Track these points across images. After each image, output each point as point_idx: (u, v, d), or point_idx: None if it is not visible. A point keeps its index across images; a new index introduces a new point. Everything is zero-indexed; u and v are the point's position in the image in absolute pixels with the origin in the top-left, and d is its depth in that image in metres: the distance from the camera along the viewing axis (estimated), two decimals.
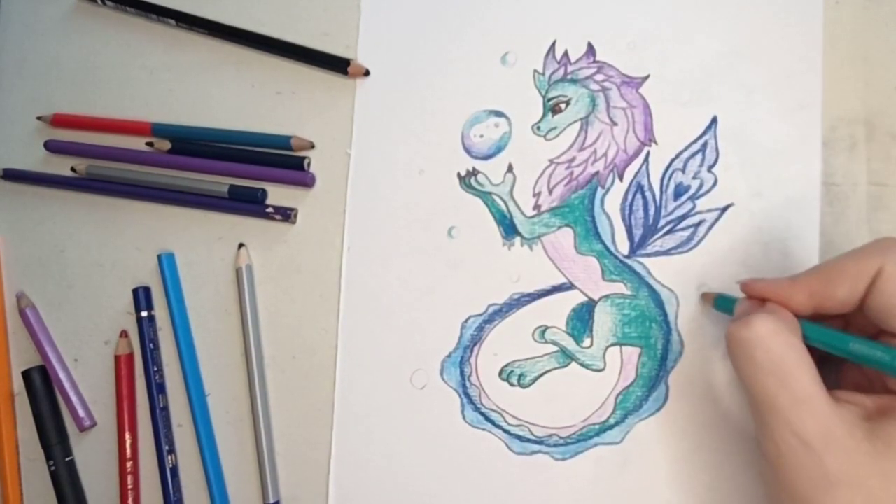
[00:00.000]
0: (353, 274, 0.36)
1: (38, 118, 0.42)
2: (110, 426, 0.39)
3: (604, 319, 0.33)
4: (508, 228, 0.35)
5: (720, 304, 0.31)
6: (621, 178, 0.34)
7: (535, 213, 0.34)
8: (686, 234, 0.33)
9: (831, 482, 0.23)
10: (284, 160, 0.37)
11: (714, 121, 0.33)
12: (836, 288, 0.25)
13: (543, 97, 0.35)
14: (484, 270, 0.35)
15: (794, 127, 0.32)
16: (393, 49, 0.37)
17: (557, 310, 0.34)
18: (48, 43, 0.42)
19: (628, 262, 0.33)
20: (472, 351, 0.35)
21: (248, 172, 0.38)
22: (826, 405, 0.24)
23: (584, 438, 0.33)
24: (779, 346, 0.25)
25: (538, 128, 0.35)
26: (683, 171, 0.33)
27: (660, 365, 0.33)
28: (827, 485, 0.23)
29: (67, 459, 0.39)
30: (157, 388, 0.38)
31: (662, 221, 0.33)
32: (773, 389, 0.24)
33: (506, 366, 0.35)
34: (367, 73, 0.37)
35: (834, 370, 0.28)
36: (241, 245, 0.38)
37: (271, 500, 0.36)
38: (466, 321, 0.35)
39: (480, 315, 0.35)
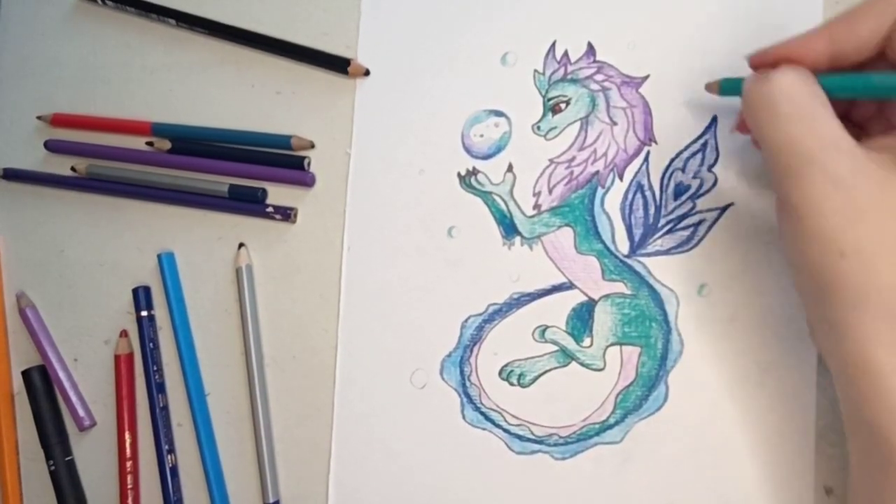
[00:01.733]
0: (353, 274, 0.36)
1: (38, 118, 0.42)
2: (110, 426, 0.39)
3: (604, 319, 0.33)
4: (508, 228, 0.35)
5: (727, 87, 0.29)
6: (621, 178, 0.34)
7: (535, 212, 0.35)
8: (686, 233, 0.33)
9: (862, 211, 0.23)
10: (284, 160, 0.37)
11: (714, 120, 0.33)
12: (861, 23, 0.25)
13: (543, 97, 0.35)
14: (484, 270, 0.35)
15: None
16: (393, 49, 0.37)
17: (557, 309, 0.34)
18: (48, 43, 0.42)
19: (628, 261, 0.33)
20: (471, 350, 0.35)
21: (248, 172, 0.38)
22: (854, 144, 0.24)
23: (583, 438, 0.33)
24: (803, 95, 0.24)
25: (538, 127, 0.35)
26: (683, 170, 0.33)
27: (659, 364, 0.33)
28: (857, 215, 0.23)
29: (67, 459, 0.39)
30: (156, 388, 0.38)
31: (662, 221, 0.33)
32: (801, 135, 0.24)
33: (506, 365, 0.35)
34: (367, 73, 0.37)
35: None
36: (241, 245, 0.38)
37: (271, 500, 0.36)
38: (466, 321, 0.35)
39: (480, 314, 0.35)
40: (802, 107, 0.24)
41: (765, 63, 0.27)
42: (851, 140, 0.24)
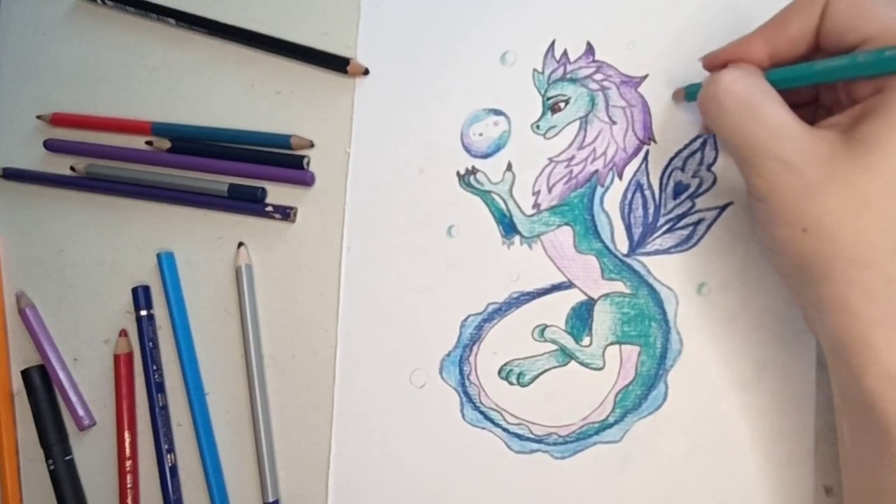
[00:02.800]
0: (353, 273, 0.36)
1: (38, 117, 0.42)
2: (110, 425, 0.39)
3: (603, 318, 0.33)
4: (508, 227, 0.35)
5: (691, 92, 0.31)
6: (620, 177, 0.34)
7: (534, 211, 0.35)
8: (685, 232, 0.33)
9: (815, 188, 0.24)
10: (284, 159, 0.37)
11: None
12: (789, 23, 0.26)
13: (543, 96, 0.35)
14: (483, 269, 0.35)
15: None
16: (392, 48, 0.37)
17: (557, 308, 0.34)
18: (48, 43, 0.42)
19: (628, 260, 0.33)
20: (471, 350, 0.35)
21: (247, 171, 0.38)
22: (801, 127, 0.25)
23: (583, 437, 0.33)
24: (744, 88, 0.26)
25: (537, 126, 0.35)
26: (683, 169, 0.33)
27: (659, 363, 0.33)
28: (812, 192, 0.24)
29: (67, 459, 0.39)
30: (156, 388, 0.38)
31: (662, 220, 0.33)
32: (749, 126, 0.25)
33: (505, 364, 0.35)
34: (366, 72, 0.37)
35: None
36: (240, 244, 0.38)
37: (271, 500, 0.36)
38: (466, 320, 0.35)
39: (480, 314, 0.35)
40: (746, 101, 0.26)
41: (715, 64, 0.29)
42: (798, 124, 0.25)
